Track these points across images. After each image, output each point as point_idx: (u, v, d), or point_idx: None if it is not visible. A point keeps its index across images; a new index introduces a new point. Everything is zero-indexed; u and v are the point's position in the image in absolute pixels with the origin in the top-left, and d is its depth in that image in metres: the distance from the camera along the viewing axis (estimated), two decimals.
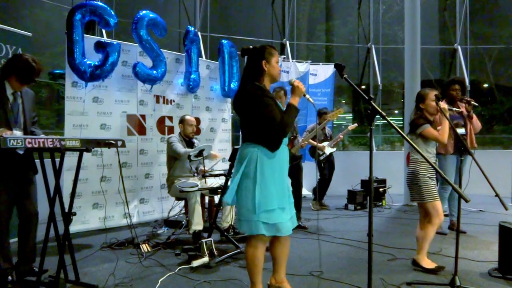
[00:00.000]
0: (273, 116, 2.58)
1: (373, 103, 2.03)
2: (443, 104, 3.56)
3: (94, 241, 4.65)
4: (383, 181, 7.24)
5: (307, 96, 2.82)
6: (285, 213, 2.69)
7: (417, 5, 7.47)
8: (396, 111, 13.56)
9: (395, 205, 7.17)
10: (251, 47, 2.81)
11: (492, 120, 11.94)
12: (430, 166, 3.56)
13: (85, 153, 3.25)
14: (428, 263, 3.63)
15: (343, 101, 12.90)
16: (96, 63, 4.84)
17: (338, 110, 5.77)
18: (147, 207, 5.72)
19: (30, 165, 3.34)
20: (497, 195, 2.83)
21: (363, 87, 12.04)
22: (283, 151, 2.73)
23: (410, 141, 2.11)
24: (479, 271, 3.64)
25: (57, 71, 8.62)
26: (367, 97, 2.06)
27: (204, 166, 4.57)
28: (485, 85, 12.04)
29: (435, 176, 3.66)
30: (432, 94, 3.54)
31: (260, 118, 2.61)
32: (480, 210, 6.55)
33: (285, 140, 2.76)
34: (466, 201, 1.95)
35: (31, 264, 3.37)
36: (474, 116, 4.83)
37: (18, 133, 3.15)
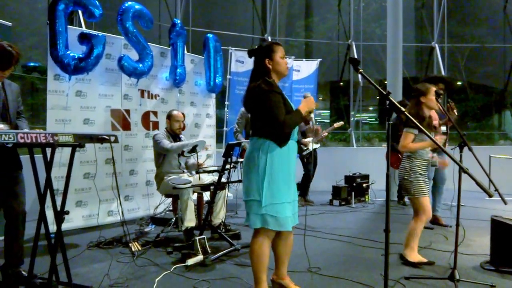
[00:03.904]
0: (275, 115, 2.56)
1: (391, 98, 2.01)
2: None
3: (80, 240, 4.48)
4: (366, 177, 7.31)
5: (311, 115, 2.83)
6: (288, 208, 2.67)
7: (399, 3, 7.56)
8: (370, 108, 13.78)
9: (378, 200, 7.26)
10: (256, 47, 2.81)
11: (465, 117, 12.30)
12: (422, 163, 3.61)
13: (66, 149, 3.12)
14: (414, 257, 3.67)
15: (320, 98, 12.98)
16: (81, 56, 4.64)
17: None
18: (132, 204, 5.55)
19: (16, 161, 3.18)
20: (496, 189, 2.88)
21: (341, 83, 12.16)
22: (292, 147, 2.73)
23: (429, 135, 2.10)
24: (471, 265, 3.70)
25: (31, 63, 8.31)
26: (385, 93, 2.04)
27: (198, 162, 4.46)
28: (459, 83, 12.39)
29: (427, 173, 3.70)
30: (433, 89, 3.57)
31: (265, 114, 2.61)
32: (461, 205, 6.70)
33: (295, 137, 2.75)
34: (490, 195, 1.96)
35: (19, 266, 3.20)
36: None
37: (2, 126, 2.99)
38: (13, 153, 3.13)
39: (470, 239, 4.59)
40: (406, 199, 6.77)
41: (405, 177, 3.62)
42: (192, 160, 4.88)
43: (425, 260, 3.68)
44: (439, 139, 3.45)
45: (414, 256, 3.68)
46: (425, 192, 3.59)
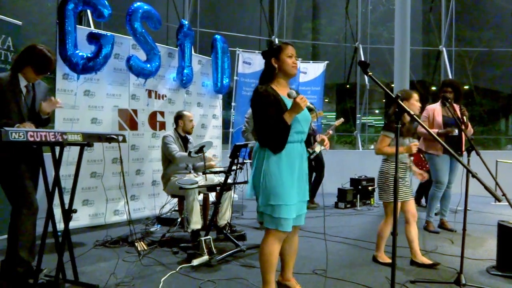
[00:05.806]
0: (261, 124, 2.63)
1: (400, 102, 2.01)
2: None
3: (86, 239, 4.51)
4: (371, 180, 7.30)
5: (312, 106, 2.80)
6: (291, 210, 2.64)
7: (407, 6, 7.55)
8: (377, 111, 13.75)
9: None
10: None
11: (471, 121, 12.19)
12: (400, 166, 3.60)
13: (73, 148, 3.15)
14: (384, 258, 3.79)
15: (326, 100, 12.96)
16: (89, 55, 4.67)
17: (318, 113, 5.78)
18: (137, 204, 5.58)
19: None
20: (504, 194, 2.87)
21: (347, 86, 12.14)
22: (293, 150, 2.69)
23: (439, 140, 2.10)
24: (477, 269, 3.69)
25: None
26: (394, 96, 2.04)
27: (205, 162, 4.46)
28: (466, 87, 12.33)
29: (407, 177, 3.71)
30: (416, 95, 3.58)
31: (256, 123, 2.70)
32: (468, 209, 6.67)
33: (301, 137, 2.74)
34: (499, 200, 1.96)
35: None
36: (469, 124, 4.95)
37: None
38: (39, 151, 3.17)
39: (476, 243, 4.57)
40: (423, 201, 6.72)
41: (383, 180, 3.66)
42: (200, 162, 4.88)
43: (388, 260, 3.74)
44: (414, 144, 3.49)
45: (383, 256, 3.81)
46: (402, 198, 3.63)
